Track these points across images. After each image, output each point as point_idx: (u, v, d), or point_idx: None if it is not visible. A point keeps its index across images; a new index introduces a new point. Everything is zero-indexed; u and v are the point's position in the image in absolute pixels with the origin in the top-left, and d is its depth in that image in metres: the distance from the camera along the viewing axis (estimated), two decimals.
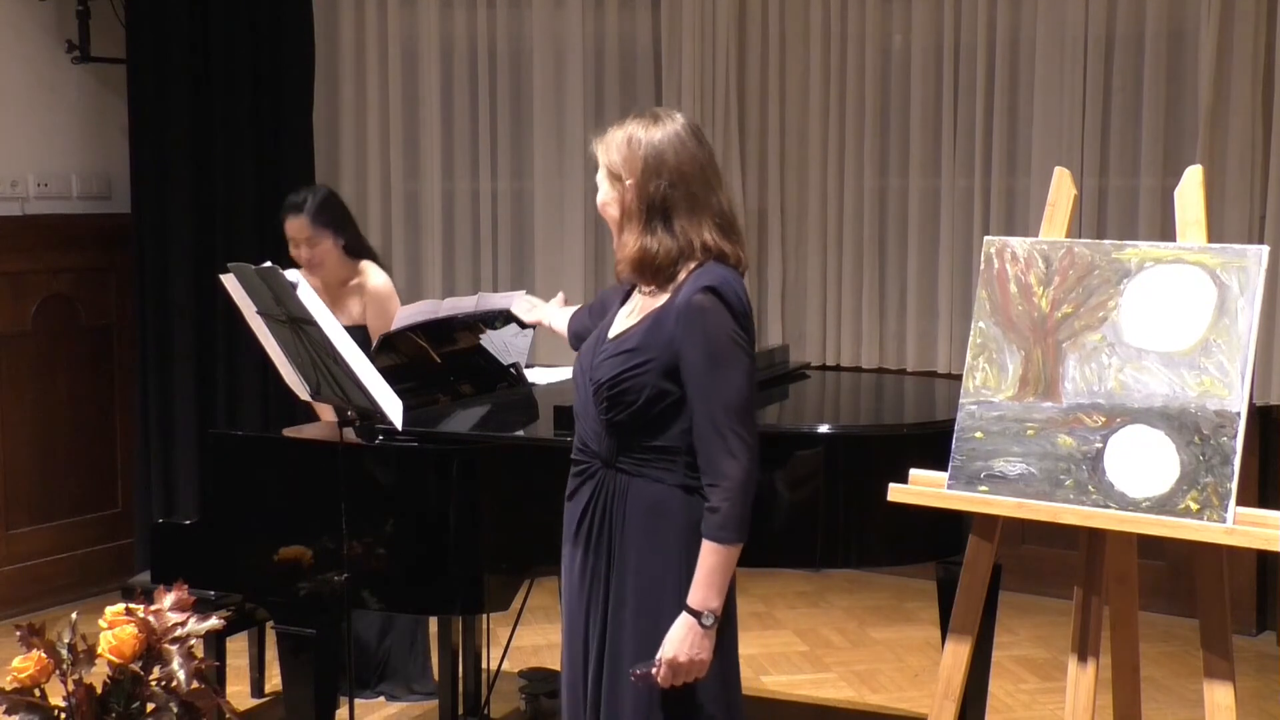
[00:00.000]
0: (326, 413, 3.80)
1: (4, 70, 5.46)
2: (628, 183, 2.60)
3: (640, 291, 2.69)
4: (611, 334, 2.67)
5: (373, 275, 4.35)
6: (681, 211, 2.58)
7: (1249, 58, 5.00)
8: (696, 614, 2.49)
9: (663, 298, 2.59)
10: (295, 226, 4.25)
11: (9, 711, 2.84)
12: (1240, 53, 5.00)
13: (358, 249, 4.39)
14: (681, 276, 2.57)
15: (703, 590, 2.50)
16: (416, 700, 4.53)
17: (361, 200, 5.80)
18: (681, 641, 2.49)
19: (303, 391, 3.47)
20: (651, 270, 2.60)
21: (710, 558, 2.49)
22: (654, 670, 2.49)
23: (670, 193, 2.58)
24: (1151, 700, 4.03)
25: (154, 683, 2.89)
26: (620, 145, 2.62)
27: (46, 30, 5.59)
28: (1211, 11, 5.01)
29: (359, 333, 4.17)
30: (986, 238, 2.94)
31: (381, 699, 4.56)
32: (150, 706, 2.88)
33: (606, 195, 2.65)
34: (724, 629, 2.57)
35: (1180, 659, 4.75)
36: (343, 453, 3.25)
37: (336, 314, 4.24)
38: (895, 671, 4.90)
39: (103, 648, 2.85)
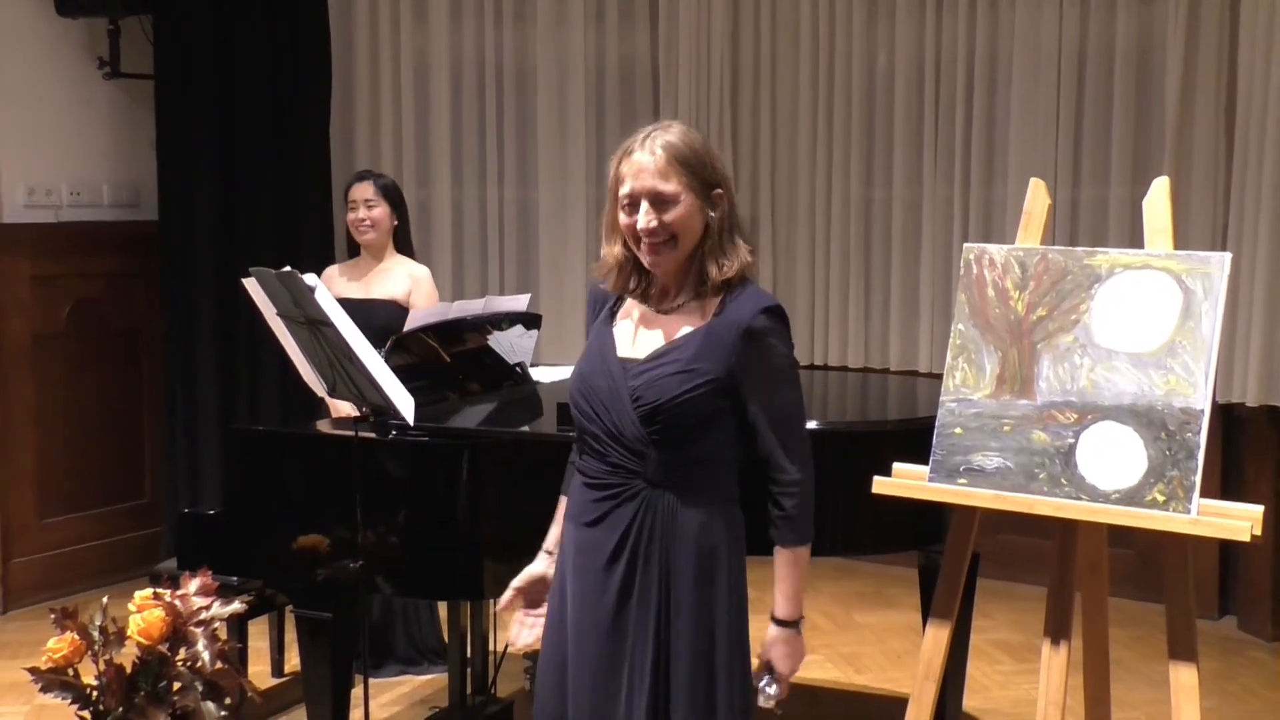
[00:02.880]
0: (341, 409, 3.80)
1: (39, 85, 5.46)
2: (716, 192, 2.42)
3: (655, 307, 2.47)
4: (640, 354, 2.43)
5: (416, 265, 4.49)
6: (736, 227, 2.49)
7: (1212, 76, 5.00)
8: (791, 624, 2.47)
9: (703, 314, 2.42)
10: (362, 189, 4.38)
11: (44, 689, 2.85)
12: (1204, 71, 5.01)
13: (405, 243, 4.51)
14: (721, 294, 2.42)
15: (790, 600, 2.45)
16: (428, 671, 4.57)
17: None
18: (786, 657, 2.47)
19: (320, 389, 3.47)
20: (721, 286, 2.42)
21: (790, 567, 2.44)
22: (779, 687, 2.50)
23: (731, 202, 2.48)
24: (1119, 681, 4.01)
25: (180, 663, 2.90)
26: (701, 153, 2.41)
27: (79, 47, 5.59)
28: (1177, 32, 5.02)
29: (394, 308, 4.23)
30: (966, 245, 2.94)
31: (396, 678, 4.57)
32: (177, 685, 2.89)
33: (687, 208, 2.38)
34: (739, 607, 2.50)
35: (1147, 642, 4.76)
36: (357, 447, 3.25)
37: (377, 287, 4.32)
38: (879, 654, 4.91)
39: (132, 630, 2.85)
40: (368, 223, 4.35)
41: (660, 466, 2.39)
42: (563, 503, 2.58)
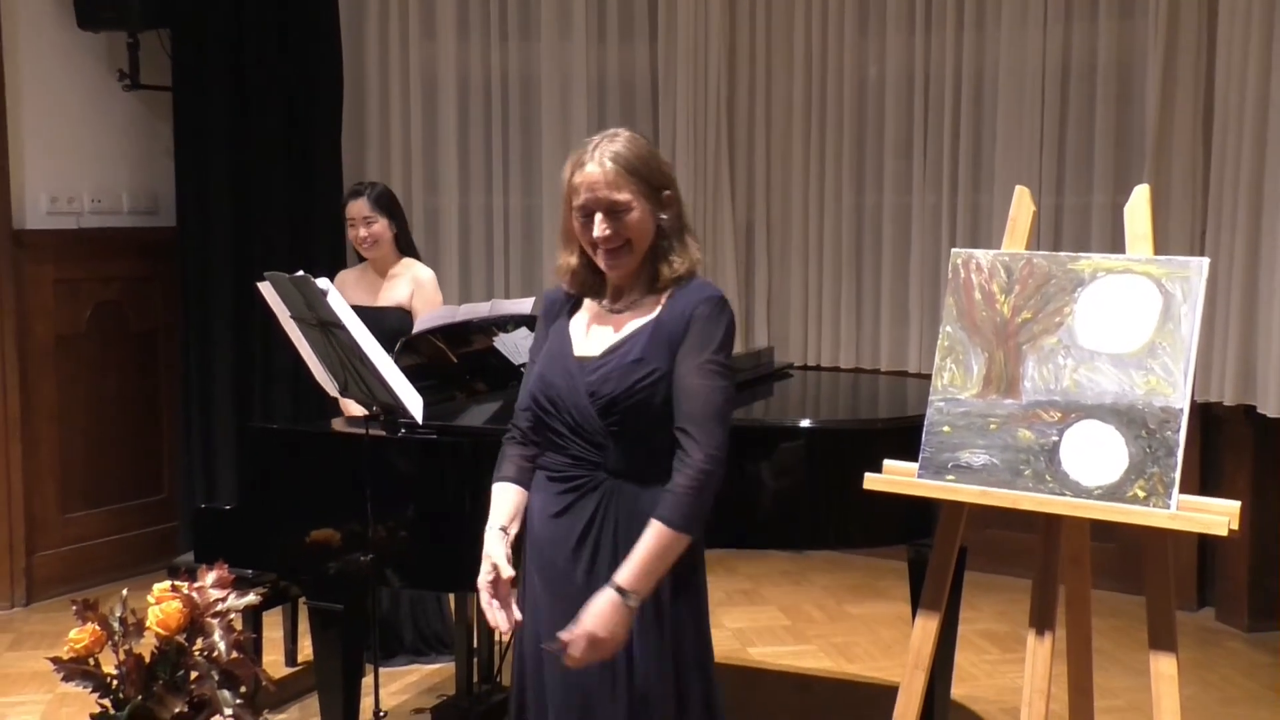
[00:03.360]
0: (351, 408, 3.80)
1: (62, 97, 5.46)
2: (665, 194, 2.42)
3: (608, 306, 2.48)
4: (594, 351, 2.44)
5: (420, 267, 4.46)
6: (686, 228, 2.48)
7: (1190, 87, 5.01)
8: (624, 593, 2.27)
9: (649, 310, 2.43)
10: (357, 207, 4.34)
11: (66, 679, 2.84)
12: (1183, 83, 5.01)
13: (407, 244, 4.48)
14: (670, 289, 2.43)
15: (637, 573, 2.28)
16: (435, 660, 4.58)
17: None
18: (602, 616, 2.26)
19: (331, 388, 3.47)
20: (671, 283, 2.43)
21: (654, 540, 2.29)
22: (566, 643, 2.26)
23: (679, 204, 2.47)
24: (1102, 670, 4.01)
25: (197, 653, 2.89)
26: (645, 156, 2.41)
27: (100, 60, 5.60)
28: (1157, 46, 5.02)
29: (402, 314, 4.22)
30: (954, 250, 2.94)
31: (405, 667, 4.57)
32: (194, 674, 2.88)
33: (640, 214, 2.39)
34: (698, 609, 2.43)
35: (1128, 632, 4.76)
36: (368, 444, 3.25)
37: (385, 295, 4.32)
38: (870, 644, 4.90)
39: (151, 621, 2.85)
40: (369, 240, 4.33)
41: (619, 457, 2.39)
42: (497, 490, 2.54)
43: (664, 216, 2.42)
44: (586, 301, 2.52)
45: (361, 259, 4.49)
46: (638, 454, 2.39)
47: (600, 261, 2.41)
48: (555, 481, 2.45)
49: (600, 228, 2.37)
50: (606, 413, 2.37)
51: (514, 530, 2.50)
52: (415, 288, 4.37)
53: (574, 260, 2.48)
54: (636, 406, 2.36)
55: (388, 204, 4.39)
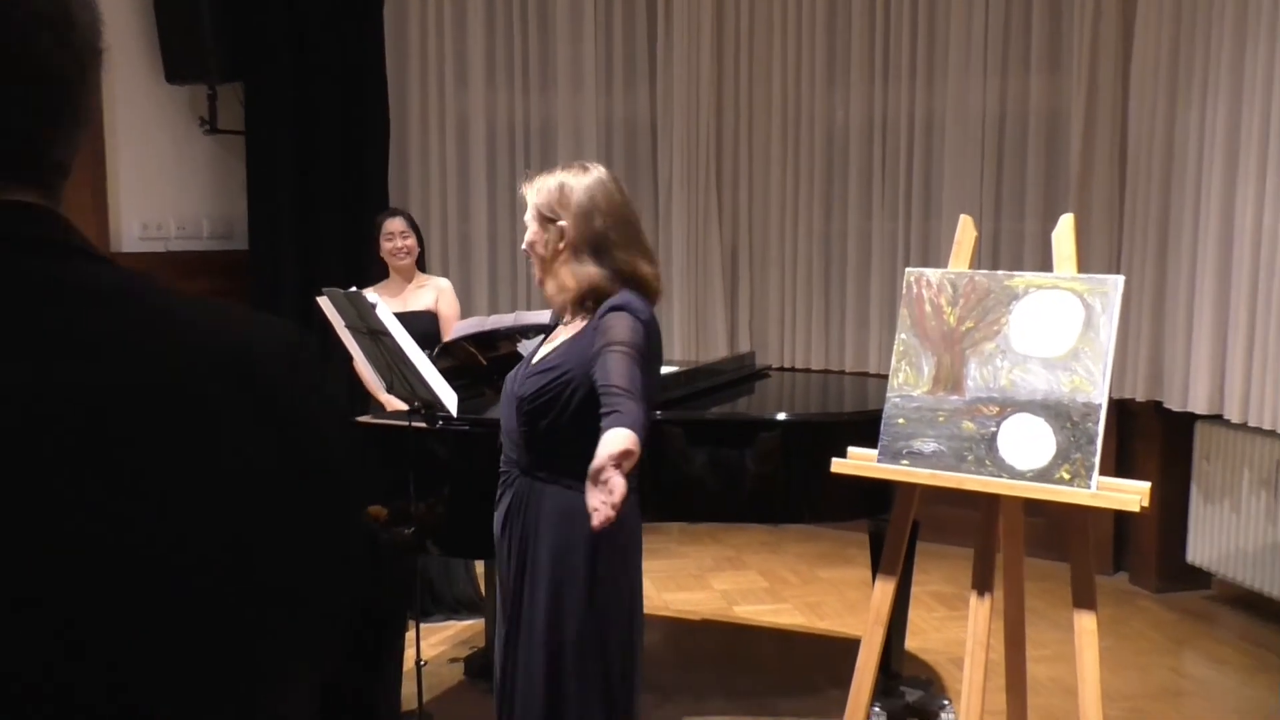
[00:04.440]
0: (395, 404, 3.80)
1: (153, 140, 5.47)
2: (561, 223, 2.34)
3: (563, 323, 2.43)
4: (535, 360, 2.42)
5: (440, 278, 4.57)
6: (620, 245, 2.35)
7: (1108, 131, 5.01)
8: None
9: (581, 324, 2.36)
10: (397, 224, 4.42)
11: None
12: (1101, 127, 5.01)
13: (422, 260, 4.56)
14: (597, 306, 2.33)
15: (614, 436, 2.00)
16: (467, 618, 4.57)
17: (425, 238, 5.80)
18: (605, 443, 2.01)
19: (379, 388, 3.47)
20: (592, 298, 2.33)
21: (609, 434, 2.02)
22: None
23: (608, 230, 2.34)
24: (1032, 625, 4.02)
25: None
26: (553, 190, 2.36)
27: (184, 109, 5.60)
28: (1079, 96, 5.02)
29: (430, 317, 4.32)
30: (907, 269, 2.94)
31: (442, 623, 4.57)
32: None
33: (534, 234, 2.37)
34: (629, 553, 2.32)
35: (1055, 594, 4.75)
36: (410, 434, 3.25)
37: (412, 302, 4.36)
38: (837, 603, 4.90)
39: None
40: (404, 250, 4.39)
41: (530, 457, 2.35)
42: None
43: (563, 246, 2.36)
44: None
45: (379, 276, 4.50)
46: (544, 456, 2.32)
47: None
48: (500, 474, 2.46)
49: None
50: (519, 413, 2.34)
51: None
52: (439, 294, 4.44)
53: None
54: (543, 406, 2.30)
55: (415, 225, 4.49)
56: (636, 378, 2.14)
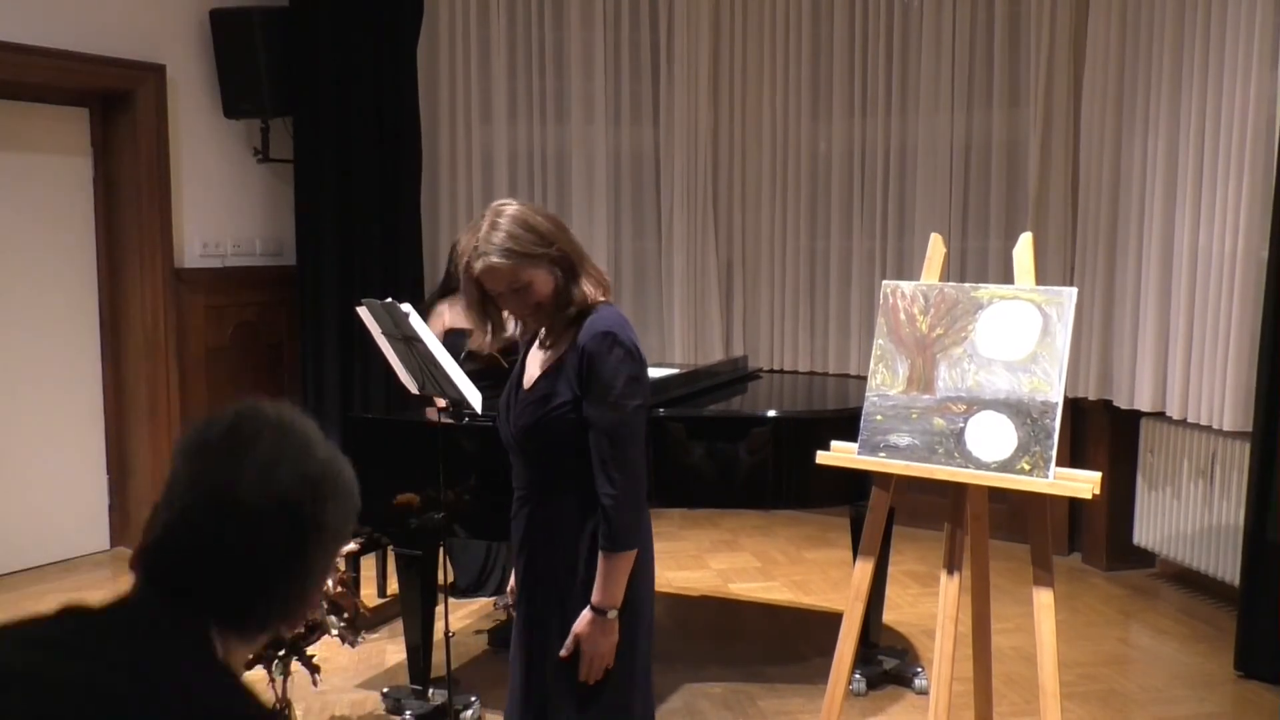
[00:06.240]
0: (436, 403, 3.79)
1: (212, 168, 5.47)
2: (554, 249, 2.07)
3: (541, 345, 2.17)
4: (525, 385, 2.18)
5: None
6: (579, 265, 2.12)
7: (1062, 160, 4.99)
8: (598, 610, 2.07)
9: (563, 346, 2.11)
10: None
11: None
12: (1056, 155, 5.00)
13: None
14: (577, 325, 2.10)
15: (603, 591, 2.07)
16: (492, 595, 4.55)
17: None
18: (591, 635, 2.08)
19: (413, 388, 3.46)
20: (576, 319, 2.10)
21: (604, 563, 2.06)
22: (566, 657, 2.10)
23: (568, 250, 2.11)
24: (997, 601, 4.00)
25: None
26: (513, 234, 2.04)
27: (239, 141, 5.60)
28: (1036, 128, 5.01)
29: (462, 335, 4.21)
30: (884, 281, 2.93)
31: (470, 600, 4.56)
32: None
33: (540, 281, 2.07)
34: (636, 619, 2.13)
35: (1017, 573, 4.73)
36: (440, 429, 3.24)
37: (459, 318, 4.30)
38: (821, 581, 4.89)
39: None
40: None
41: (534, 480, 2.17)
42: None
43: (558, 271, 2.09)
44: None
45: (446, 290, 4.45)
46: (551, 473, 2.14)
47: (521, 321, 2.18)
48: (514, 488, 2.24)
49: (511, 307, 2.12)
50: (521, 441, 2.15)
51: None
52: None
53: (505, 313, 2.18)
54: (545, 434, 2.10)
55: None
56: (627, 450, 2.06)
